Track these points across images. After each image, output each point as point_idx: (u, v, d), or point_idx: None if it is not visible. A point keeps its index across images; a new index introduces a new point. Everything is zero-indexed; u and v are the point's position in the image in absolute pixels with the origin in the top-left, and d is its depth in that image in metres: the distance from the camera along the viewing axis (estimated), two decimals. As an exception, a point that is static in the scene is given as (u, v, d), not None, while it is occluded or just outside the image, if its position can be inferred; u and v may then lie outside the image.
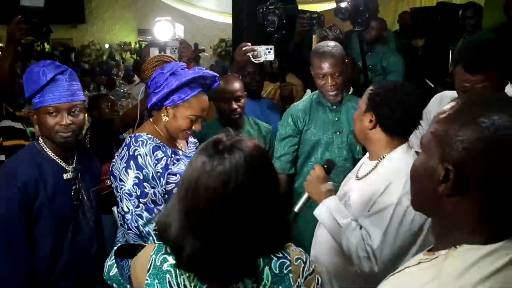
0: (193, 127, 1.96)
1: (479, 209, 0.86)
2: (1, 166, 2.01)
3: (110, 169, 1.96)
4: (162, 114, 1.96)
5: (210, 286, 1.18)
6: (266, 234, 1.12)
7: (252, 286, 1.19)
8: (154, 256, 1.22)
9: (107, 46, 14.63)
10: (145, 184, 1.87)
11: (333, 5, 3.39)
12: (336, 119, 2.65)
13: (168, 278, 1.19)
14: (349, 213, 1.79)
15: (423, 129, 2.21)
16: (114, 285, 1.32)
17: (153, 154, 1.91)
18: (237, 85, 2.65)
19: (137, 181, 1.86)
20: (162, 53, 2.70)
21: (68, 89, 1.83)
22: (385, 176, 1.75)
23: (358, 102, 1.94)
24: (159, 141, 1.96)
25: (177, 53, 2.79)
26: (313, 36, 3.78)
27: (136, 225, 1.85)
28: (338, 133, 2.63)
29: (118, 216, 1.93)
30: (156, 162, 1.91)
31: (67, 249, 1.92)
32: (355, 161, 2.47)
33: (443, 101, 2.31)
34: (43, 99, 1.82)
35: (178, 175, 1.92)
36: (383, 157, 1.80)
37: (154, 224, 1.78)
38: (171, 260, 1.20)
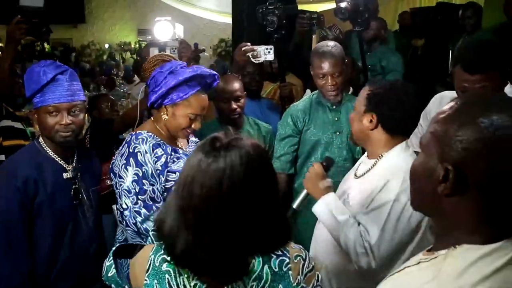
0: (192, 126, 1.97)
1: (479, 209, 0.86)
2: (1, 165, 2.01)
3: (110, 166, 1.97)
4: (162, 113, 1.97)
5: (209, 286, 1.18)
6: (263, 232, 1.12)
7: (252, 284, 1.19)
8: (152, 256, 1.22)
9: (107, 46, 14.63)
10: (144, 181, 1.88)
11: (333, 5, 3.39)
12: (336, 119, 2.65)
13: (168, 278, 1.19)
14: (348, 210, 1.80)
15: (423, 129, 2.22)
16: (113, 286, 1.32)
17: (153, 151, 1.92)
18: (236, 85, 2.65)
19: (136, 178, 1.87)
20: (162, 53, 2.70)
21: (68, 89, 1.84)
22: (383, 174, 1.76)
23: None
24: (160, 139, 1.97)
25: (177, 53, 2.80)
26: (313, 36, 3.78)
27: (134, 221, 1.86)
28: (338, 133, 2.63)
29: (117, 213, 1.93)
30: (156, 159, 1.92)
31: (66, 248, 1.92)
32: (354, 161, 2.47)
33: (443, 101, 2.31)
34: (44, 99, 1.83)
35: (177, 173, 1.93)
36: (382, 156, 1.81)
37: (152, 222, 1.79)
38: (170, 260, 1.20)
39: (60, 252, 1.91)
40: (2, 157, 2.67)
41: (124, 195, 1.88)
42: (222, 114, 2.71)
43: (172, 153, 1.97)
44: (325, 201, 1.82)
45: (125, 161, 1.90)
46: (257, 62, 2.98)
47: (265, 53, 2.93)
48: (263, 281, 1.20)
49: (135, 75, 6.93)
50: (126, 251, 1.36)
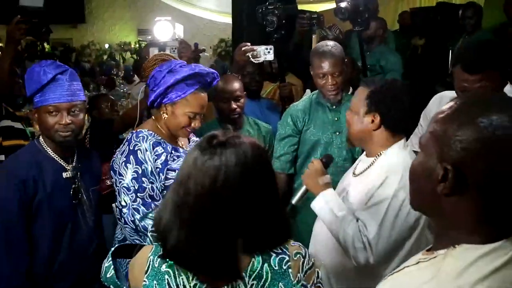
0: (192, 124, 1.97)
1: (478, 209, 0.86)
2: (1, 165, 2.01)
3: (111, 164, 1.98)
4: (162, 112, 1.98)
5: (209, 286, 1.18)
6: (260, 231, 1.12)
7: (252, 283, 1.19)
8: (152, 257, 1.21)
9: (107, 46, 14.62)
10: (143, 179, 1.89)
11: (332, 5, 3.39)
12: (336, 119, 2.65)
13: (167, 279, 1.18)
14: (346, 206, 1.82)
15: (423, 129, 2.22)
16: (111, 287, 1.32)
17: (153, 149, 1.93)
18: (236, 85, 2.66)
19: (135, 176, 1.88)
20: (162, 52, 2.70)
21: (68, 89, 1.85)
22: (382, 171, 1.78)
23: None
24: (160, 138, 1.98)
25: (177, 53, 2.80)
26: (313, 36, 3.78)
27: (133, 219, 1.87)
28: (337, 133, 2.63)
29: (116, 210, 1.94)
30: (156, 157, 1.93)
31: (66, 248, 1.92)
32: (354, 161, 2.47)
33: (443, 101, 2.30)
34: (44, 98, 1.83)
35: (177, 171, 1.93)
36: (380, 154, 1.83)
37: (150, 219, 1.80)
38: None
39: (59, 251, 1.91)
40: (2, 157, 2.67)
41: (123, 193, 1.89)
42: (222, 114, 2.71)
43: (173, 152, 1.98)
44: (324, 197, 1.83)
45: (125, 159, 1.91)
46: (257, 62, 2.98)
47: (265, 53, 2.93)
48: (263, 279, 1.19)
49: (135, 75, 6.92)
50: (125, 251, 1.36)
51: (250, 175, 1.10)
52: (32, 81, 1.85)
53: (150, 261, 1.21)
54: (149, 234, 1.81)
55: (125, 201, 1.88)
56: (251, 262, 1.19)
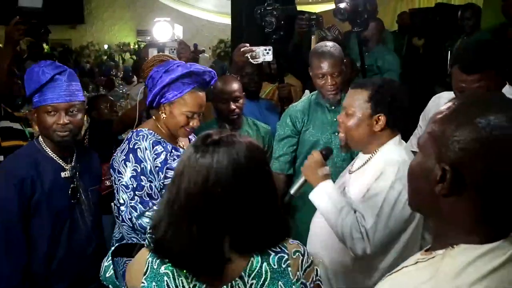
0: (190, 124, 1.97)
1: (476, 209, 0.86)
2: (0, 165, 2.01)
3: (111, 162, 1.99)
4: (160, 112, 1.99)
5: (209, 286, 1.18)
6: (257, 230, 1.12)
7: (252, 283, 1.18)
8: (150, 259, 1.21)
9: (106, 46, 14.60)
10: (142, 177, 1.90)
11: (331, 6, 3.40)
12: (335, 119, 2.64)
13: (166, 280, 1.18)
14: (344, 198, 1.84)
15: (422, 130, 2.22)
16: (110, 286, 1.32)
17: (152, 148, 1.94)
18: (235, 85, 2.66)
19: (134, 174, 1.89)
20: (161, 53, 2.70)
21: (67, 89, 1.86)
22: (378, 166, 1.81)
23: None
24: (160, 137, 1.99)
25: (176, 53, 2.80)
26: (312, 37, 3.78)
27: (130, 217, 1.88)
28: (336, 134, 2.63)
29: (114, 208, 1.94)
30: (156, 156, 1.94)
31: (64, 247, 1.93)
32: (353, 161, 2.48)
33: (441, 102, 2.31)
34: (43, 98, 1.84)
35: None
36: (377, 151, 1.86)
37: (147, 218, 1.81)
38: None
39: (57, 251, 1.91)
40: (1, 158, 2.67)
41: (122, 190, 1.89)
42: (221, 115, 2.71)
43: (173, 151, 1.99)
44: (323, 188, 1.84)
45: (124, 157, 1.92)
46: (256, 62, 2.98)
47: (263, 54, 2.93)
48: (262, 278, 1.19)
49: (134, 76, 6.91)
50: (126, 250, 1.36)
51: (243, 174, 1.10)
52: (31, 81, 1.86)
53: (148, 263, 1.20)
54: (147, 231, 1.81)
55: (123, 199, 1.89)
56: (250, 261, 1.19)
